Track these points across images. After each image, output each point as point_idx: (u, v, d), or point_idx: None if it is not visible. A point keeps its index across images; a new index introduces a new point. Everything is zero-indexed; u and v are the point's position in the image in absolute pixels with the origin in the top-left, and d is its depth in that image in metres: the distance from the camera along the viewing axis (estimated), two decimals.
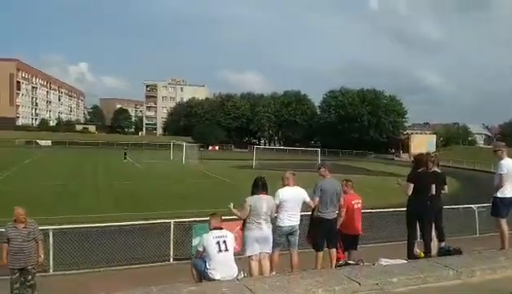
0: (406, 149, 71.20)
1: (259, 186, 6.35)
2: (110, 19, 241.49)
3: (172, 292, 3.64)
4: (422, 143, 67.27)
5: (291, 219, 6.55)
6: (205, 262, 5.48)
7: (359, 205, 7.28)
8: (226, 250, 5.46)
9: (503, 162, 6.71)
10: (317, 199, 6.75)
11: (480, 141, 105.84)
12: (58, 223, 12.05)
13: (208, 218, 5.98)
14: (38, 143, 73.05)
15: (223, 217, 10.15)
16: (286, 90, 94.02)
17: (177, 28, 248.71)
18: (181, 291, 3.65)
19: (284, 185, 6.64)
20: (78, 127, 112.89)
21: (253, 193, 6.32)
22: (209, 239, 5.47)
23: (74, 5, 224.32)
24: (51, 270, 9.40)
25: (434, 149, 66.75)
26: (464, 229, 13.12)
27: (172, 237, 10.52)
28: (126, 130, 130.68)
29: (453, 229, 12.29)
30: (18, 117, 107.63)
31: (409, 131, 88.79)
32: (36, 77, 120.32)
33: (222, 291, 3.54)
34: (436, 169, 7.09)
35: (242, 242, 6.55)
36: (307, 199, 6.69)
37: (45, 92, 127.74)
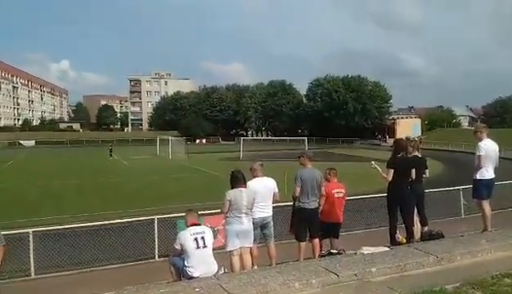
0: (392, 134, 71.60)
1: (239, 179, 6.21)
2: (90, 14, 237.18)
3: (144, 293, 3.50)
4: (408, 127, 67.69)
5: (263, 210, 6.43)
6: (184, 259, 5.35)
7: (340, 194, 7.15)
8: (205, 246, 5.33)
9: (481, 143, 6.67)
10: (298, 189, 6.66)
11: (465, 123, 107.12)
12: (41, 224, 11.82)
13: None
14: (21, 143, 71.77)
15: (207, 212, 10.20)
16: (271, 79, 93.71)
17: (160, 22, 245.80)
18: (153, 291, 3.52)
19: (253, 177, 6.52)
20: (63, 126, 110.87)
21: (232, 187, 6.18)
22: (187, 236, 5.33)
23: (53, 1, 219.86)
24: (32, 274, 9.20)
25: (420, 133, 67.42)
26: (448, 210, 13.23)
27: (156, 234, 10.34)
28: (112, 126, 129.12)
29: (438, 211, 12.40)
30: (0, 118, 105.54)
31: (394, 116, 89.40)
32: (16, 77, 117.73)
33: (195, 290, 3.42)
34: (416, 153, 7.02)
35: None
36: (276, 190, 6.59)
37: (26, 92, 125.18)
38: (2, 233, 5.96)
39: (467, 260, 4.41)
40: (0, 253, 5.80)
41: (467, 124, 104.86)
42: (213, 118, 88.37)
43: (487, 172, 6.71)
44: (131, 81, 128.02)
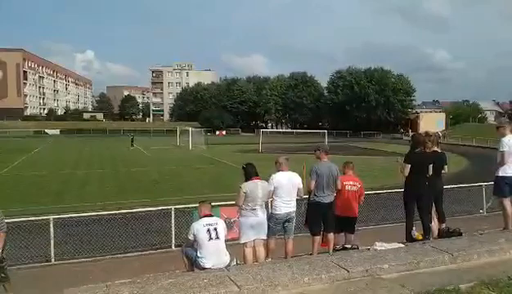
0: (415, 128, 70.30)
1: (253, 172, 6.19)
2: (115, 5, 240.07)
3: (152, 283, 3.53)
4: (431, 121, 66.37)
5: (288, 205, 6.36)
6: (196, 250, 5.38)
7: (353, 188, 7.03)
8: (217, 238, 5.35)
9: (505, 139, 6.45)
10: (313, 183, 6.58)
11: (491, 118, 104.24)
12: (63, 211, 12.12)
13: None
14: (46, 132, 73.60)
15: (224, 203, 10.25)
16: (292, 71, 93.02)
17: (183, 14, 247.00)
18: (161, 282, 3.54)
19: (277, 171, 6.46)
20: (86, 116, 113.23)
21: (246, 180, 6.16)
22: (199, 227, 5.36)
23: None
24: (52, 260, 9.44)
25: (444, 128, 66.01)
26: (470, 207, 12.95)
27: (173, 223, 10.46)
28: (133, 117, 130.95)
29: (458, 208, 12.14)
30: (26, 107, 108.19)
31: (418, 110, 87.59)
32: (43, 67, 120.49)
33: (204, 282, 3.42)
34: (436, 149, 6.84)
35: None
36: (301, 186, 6.50)
37: (52, 82, 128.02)
38: (6, 220, 6.02)
39: (483, 259, 4.27)
40: (0, 239, 5.76)
41: (493, 119, 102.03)
42: (234, 110, 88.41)
43: (509, 169, 6.49)
44: (153, 72, 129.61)
